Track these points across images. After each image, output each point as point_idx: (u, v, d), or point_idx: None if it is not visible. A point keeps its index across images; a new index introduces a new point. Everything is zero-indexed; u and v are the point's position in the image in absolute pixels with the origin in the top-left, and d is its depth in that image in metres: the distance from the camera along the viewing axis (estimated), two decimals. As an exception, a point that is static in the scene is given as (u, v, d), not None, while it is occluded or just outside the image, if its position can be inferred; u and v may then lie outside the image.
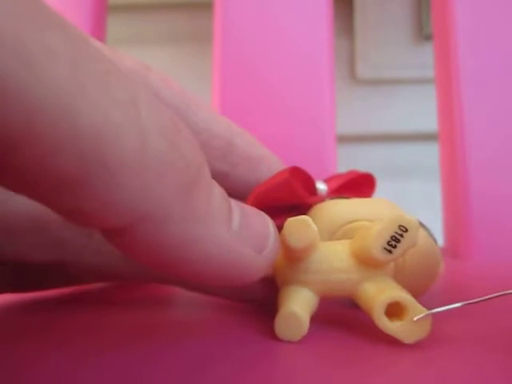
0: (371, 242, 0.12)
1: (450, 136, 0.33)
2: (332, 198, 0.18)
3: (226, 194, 0.12)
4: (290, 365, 0.11)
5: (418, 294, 0.15)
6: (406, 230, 0.12)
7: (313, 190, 0.19)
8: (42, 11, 0.08)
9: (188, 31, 0.64)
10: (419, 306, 0.12)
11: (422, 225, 0.16)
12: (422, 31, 0.60)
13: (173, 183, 0.09)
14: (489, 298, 0.13)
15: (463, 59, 0.32)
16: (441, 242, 0.33)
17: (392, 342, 0.12)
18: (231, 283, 0.12)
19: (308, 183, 0.19)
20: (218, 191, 0.11)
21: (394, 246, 0.12)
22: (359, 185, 0.21)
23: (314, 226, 0.13)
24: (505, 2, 0.33)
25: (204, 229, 0.10)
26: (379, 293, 0.13)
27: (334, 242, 0.14)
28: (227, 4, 0.36)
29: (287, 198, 0.18)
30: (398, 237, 0.12)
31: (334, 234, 0.16)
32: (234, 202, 0.12)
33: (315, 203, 0.18)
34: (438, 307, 0.12)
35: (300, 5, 0.36)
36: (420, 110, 0.59)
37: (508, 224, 0.30)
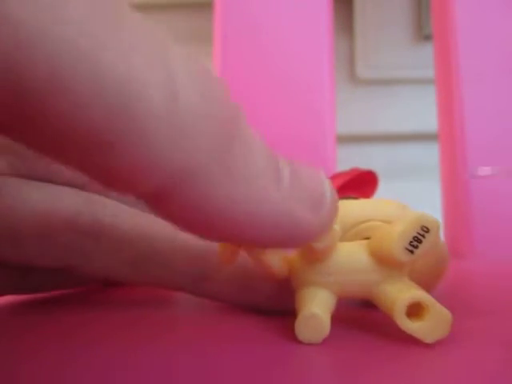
0: (393, 242, 0.12)
1: (450, 136, 0.33)
2: (340, 199, 0.18)
3: (270, 151, 0.11)
4: (313, 367, 0.11)
5: (426, 291, 0.15)
6: (428, 231, 0.12)
7: None
8: None
9: (187, 31, 0.64)
10: (440, 306, 0.12)
11: None
12: (422, 31, 0.60)
13: (208, 136, 0.09)
14: None
15: (463, 59, 0.32)
16: (441, 241, 0.33)
17: (411, 341, 0.12)
18: (285, 246, 0.11)
19: None
20: (260, 146, 0.10)
21: (416, 247, 0.12)
22: (362, 182, 0.21)
23: (336, 226, 0.13)
24: (504, 2, 0.33)
25: (248, 187, 0.09)
26: (399, 293, 0.13)
27: (351, 243, 0.14)
28: (227, 4, 0.35)
29: None
30: (420, 237, 0.12)
31: (345, 234, 0.16)
32: (282, 158, 0.11)
33: None
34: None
35: (300, 5, 0.36)
36: (420, 110, 0.59)
37: (508, 224, 0.30)
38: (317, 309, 0.13)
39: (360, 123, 0.61)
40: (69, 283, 0.19)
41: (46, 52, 0.07)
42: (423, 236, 0.12)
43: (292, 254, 0.14)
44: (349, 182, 0.20)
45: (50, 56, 0.07)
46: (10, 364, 0.11)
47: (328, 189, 0.12)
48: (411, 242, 0.12)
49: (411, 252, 0.12)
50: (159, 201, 0.09)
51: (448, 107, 0.34)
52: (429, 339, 0.12)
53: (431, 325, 0.12)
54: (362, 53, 0.61)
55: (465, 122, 0.32)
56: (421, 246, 0.12)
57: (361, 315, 0.16)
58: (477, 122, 0.32)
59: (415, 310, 0.12)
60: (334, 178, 0.21)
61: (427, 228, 0.12)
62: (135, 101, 0.08)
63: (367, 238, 0.15)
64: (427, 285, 0.15)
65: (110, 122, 0.08)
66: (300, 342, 0.13)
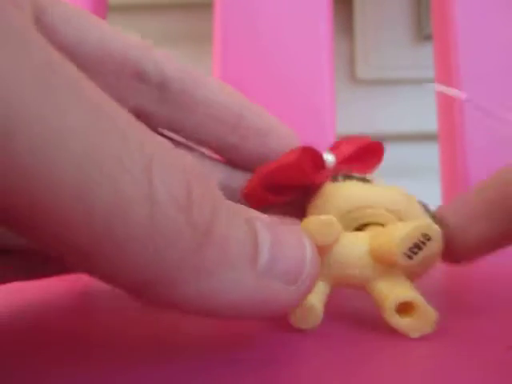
0: (394, 246, 0.13)
1: (450, 136, 0.33)
2: (344, 177, 0.18)
3: (252, 224, 0.11)
4: (309, 356, 0.11)
5: (418, 276, 0.15)
6: (430, 239, 0.12)
7: (321, 166, 0.18)
8: (62, 88, 0.08)
9: (187, 32, 0.64)
10: (427, 306, 0.13)
11: (427, 209, 0.16)
12: (422, 31, 0.60)
13: (182, 247, 0.09)
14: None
15: (463, 59, 0.32)
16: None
17: (397, 334, 0.13)
18: (261, 317, 0.12)
19: (317, 160, 0.18)
20: (239, 231, 0.11)
21: (415, 253, 0.13)
22: (367, 153, 0.20)
23: (337, 225, 0.13)
24: (505, 2, 0.33)
25: (220, 281, 0.10)
26: (392, 291, 0.13)
27: (353, 235, 0.14)
28: (227, 5, 0.36)
29: (296, 178, 0.17)
30: (421, 244, 0.13)
31: (345, 216, 0.16)
32: (264, 228, 0.11)
33: (325, 181, 0.18)
34: (436, 308, 0.13)
35: (300, 6, 0.36)
36: (420, 110, 0.59)
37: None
38: (314, 300, 0.13)
39: (360, 123, 0.61)
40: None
41: (44, 189, 0.08)
42: (424, 243, 0.12)
43: None
44: (354, 154, 0.20)
45: (48, 192, 0.08)
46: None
47: (309, 256, 0.12)
48: (411, 247, 0.13)
49: (410, 257, 0.13)
50: (134, 294, 0.10)
51: (448, 107, 0.34)
52: (413, 335, 0.13)
53: (417, 322, 0.13)
54: (362, 53, 0.61)
55: (465, 121, 0.32)
56: (421, 252, 0.13)
57: (361, 313, 0.16)
58: (477, 122, 0.32)
59: (404, 306, 0.13)
60: (338, 147, 0.20)
61: (429, 236, 0.12)
62: (118, 225, 0.09)
63: (368, 225, 0.15)
64: (420, 270, 0.16)
65: (91, 242, 0.08)
66: (296, 332, 0.13)
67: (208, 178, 0.11)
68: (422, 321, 0.13)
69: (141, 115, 0.18)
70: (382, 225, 0.15)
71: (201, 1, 0.61)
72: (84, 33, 0.16)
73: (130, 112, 0.18)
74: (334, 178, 0.17)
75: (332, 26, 0.36)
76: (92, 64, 0.16)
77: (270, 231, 0.11)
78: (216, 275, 0.10)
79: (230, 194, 0.18)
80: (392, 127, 0.61)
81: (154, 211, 0.09)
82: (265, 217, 0.12)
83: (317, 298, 0.13)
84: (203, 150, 0.20)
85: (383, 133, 0.62)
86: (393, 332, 0.13)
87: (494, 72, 0.32)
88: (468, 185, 0.31)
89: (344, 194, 0.16)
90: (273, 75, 0.35)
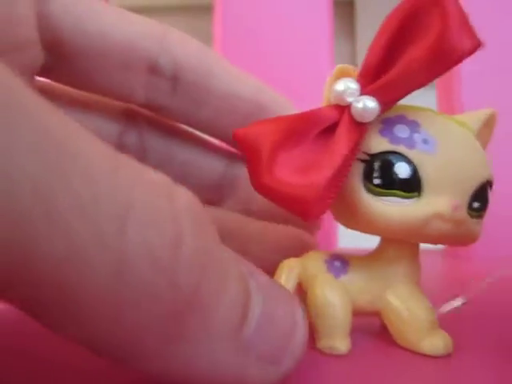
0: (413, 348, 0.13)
1: (450, 140, 0.33)
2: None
3: (245, 283, 0.09)
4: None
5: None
6: None
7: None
8: None
9: (187, 34, 0.64)
10: None
11: None
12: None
13: (158, 315, 0.08)
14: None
15: (463, 63, 0.32)
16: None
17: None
18: None
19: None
20: (229, 291, 0.09)
21: None
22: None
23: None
24: (504, 5, 0.33)
25: (196, 352, 0.08)
26: None
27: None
28: (227, 6, 0.35)
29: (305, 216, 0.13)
30: None
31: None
32: (257, 290, 0.09)
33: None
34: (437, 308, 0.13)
35: (300, 9, 0.36)
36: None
37: (508, 224, 0.30)
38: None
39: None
40: None
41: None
42: None
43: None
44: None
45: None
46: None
47: (301, 329, 0.10)
48: None
49: None
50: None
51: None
52: None
53: None
54: (363, 56, 0.61)
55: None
56: None
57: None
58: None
59: None
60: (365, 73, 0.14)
61: None
62: (78, 283, 0.07)
63: None
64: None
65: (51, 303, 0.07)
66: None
67: (204, 221, 0.09)
68: None
69: (153, 108, 0.17)
70: None
71: (201, 3, 0.61)
72: (82, 23, 0.15)
73: (142, 106, 0.17)
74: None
75: (333, 28, 0.36)
76: (94, 57, 0.15)
77: (263, 295, 0.10)
78: (193, 344, 0.08)
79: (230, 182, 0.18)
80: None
81: (121, 271, 0.07)
82: (259, 273, 0.10)
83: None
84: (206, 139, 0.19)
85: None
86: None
87: (494, 76, 0.32)
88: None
89: (379, 224, 0.13)
90: (273, 78, 0.35)
